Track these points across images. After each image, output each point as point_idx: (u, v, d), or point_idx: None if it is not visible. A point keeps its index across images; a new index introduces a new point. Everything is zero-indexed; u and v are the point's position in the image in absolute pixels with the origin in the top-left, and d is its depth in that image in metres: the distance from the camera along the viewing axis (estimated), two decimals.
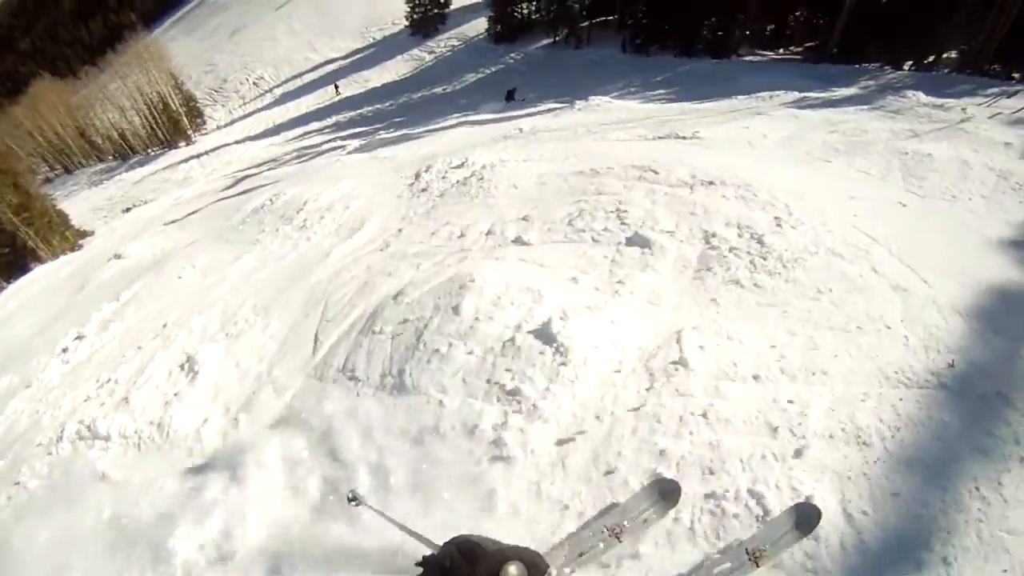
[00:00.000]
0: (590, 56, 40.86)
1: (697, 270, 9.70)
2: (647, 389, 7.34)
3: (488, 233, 12.37)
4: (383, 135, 31.94)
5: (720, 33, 35.83)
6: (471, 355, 8.28)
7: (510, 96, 33.46)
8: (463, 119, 29.80)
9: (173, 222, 26.13)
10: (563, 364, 7.66)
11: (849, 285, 8.77)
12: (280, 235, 16.37)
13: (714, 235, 10.39)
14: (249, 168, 37.30)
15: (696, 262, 9.89)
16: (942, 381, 6.84)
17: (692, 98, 24.79)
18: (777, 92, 22.38)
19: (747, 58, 35.34)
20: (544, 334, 8.11)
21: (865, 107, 18.79)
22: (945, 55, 29.68)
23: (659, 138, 17.31)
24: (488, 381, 7.82)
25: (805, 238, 9.93)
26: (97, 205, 44.93)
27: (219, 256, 16.34)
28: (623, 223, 11.28)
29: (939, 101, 18.13)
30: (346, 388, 8.83)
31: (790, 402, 6.74)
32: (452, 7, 52.84)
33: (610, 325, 8.47)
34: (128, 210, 39.43)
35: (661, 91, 28.54)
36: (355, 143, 32.29)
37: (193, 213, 26.59)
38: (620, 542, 5.52)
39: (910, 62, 29.93)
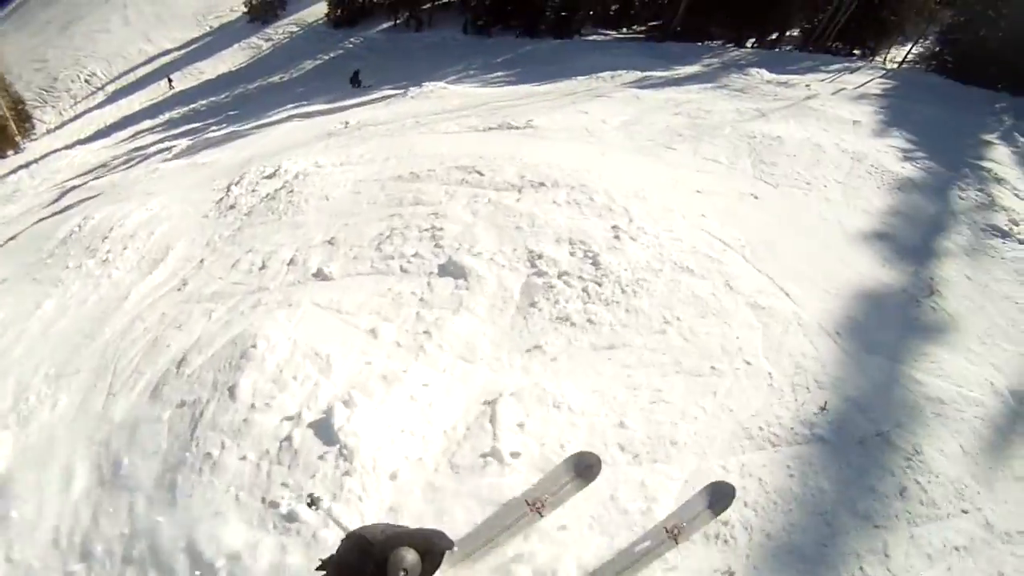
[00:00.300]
0: (431, 39, 39.05)
1: (520, 306, 7.95)
2: (453, 498, 5.58)
3: (290, 263, 10.35)
4: (212, 133, 29.24)
5: (563, 13, 34.51)
6: (244, 461, 6.27)
7: (355, 80, 31.43)
8: (294, 111, 27.71)
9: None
10: (347, 474, 5.80)
11: (700, 308, 7.41)
12: (83, 272, 13.62)
13: (541, 256, 8.66)
14: (76, 177, 33.86)
15: (519, 295, 8.14)
16: (815, 432, 5.77)
17: (532, 80, 23.30)
18: (619, 72, 21.06)
19: (590, 38, 34.40)
20: (325, 429, 6.22)
21: (709, 85, 17.85)
22: (788, 33, 29.60)
23: (490, 129, 15.47)
24: (263, 500, 5.86)
25: (648, 252, 8.43)
26: None
27: (22, 303, 13.35)
28: (437, 245, 9.39)
29: (783, 78, 17.62)
30: (118, 502, 6.67)
31: (632, 497, 5.24)
32: None
33: (409, 403, 6.61)
34: None
35: (500, 73, 27.26)
36: (184, 143, 29.50)
37: (11, 239, 23.64)
38: (542, 516, 5.08)
39: (752, 40, 29.83)
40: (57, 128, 50.55)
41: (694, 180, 10.99)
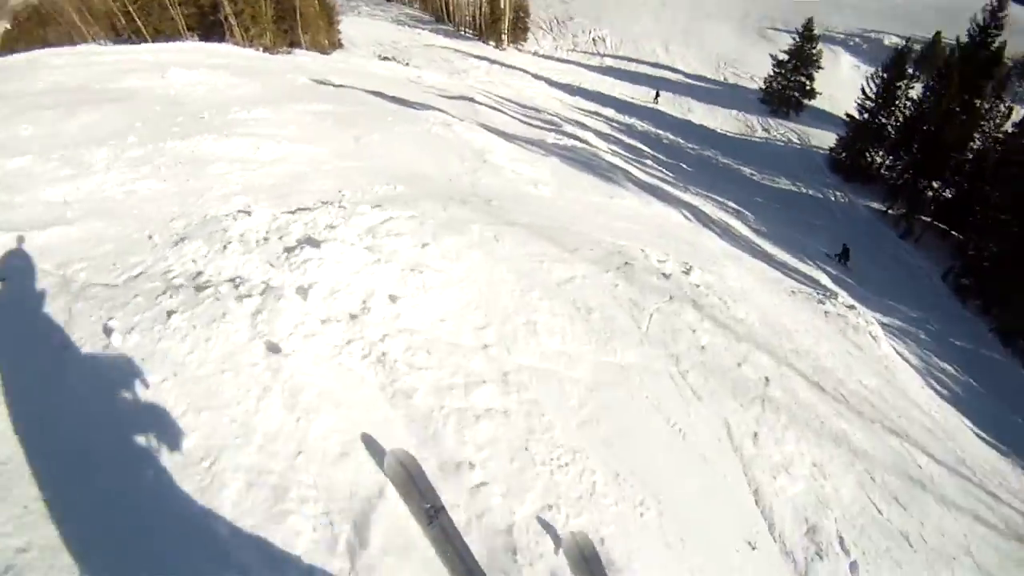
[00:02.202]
0: (909, 257, 29.31)
1: None
2: None
3: None
4: (614, 159, 22.67)
5: None
6: None
7: (844, 256, 24.30)
8: (711, 210, 21.29)
9: (319, 82, 19.95)
10: None
11: None
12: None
13: None
14: (500, 99, 29.51)
15: None
16: None
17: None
18: None
19: None
20: None
21: None
22: None
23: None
24: None
25: None
26: (380, 39, 43.96)
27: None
28: None
29: None
30: None
31: None
32: (814, 103, 43.66)
33: None
34: (384, 59, 37.79)
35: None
36: (601, 147, 24.38)
37: (339, 87, 20.27)
38: None
39: None
40: (543, 56, 52.18)
41: None
